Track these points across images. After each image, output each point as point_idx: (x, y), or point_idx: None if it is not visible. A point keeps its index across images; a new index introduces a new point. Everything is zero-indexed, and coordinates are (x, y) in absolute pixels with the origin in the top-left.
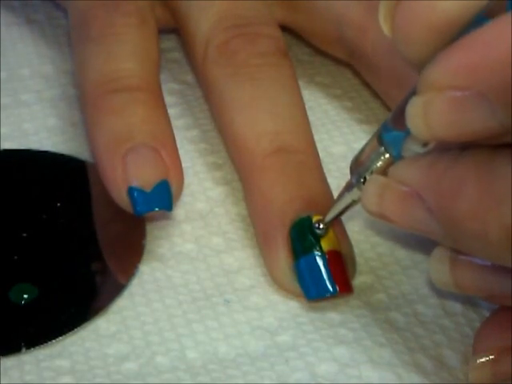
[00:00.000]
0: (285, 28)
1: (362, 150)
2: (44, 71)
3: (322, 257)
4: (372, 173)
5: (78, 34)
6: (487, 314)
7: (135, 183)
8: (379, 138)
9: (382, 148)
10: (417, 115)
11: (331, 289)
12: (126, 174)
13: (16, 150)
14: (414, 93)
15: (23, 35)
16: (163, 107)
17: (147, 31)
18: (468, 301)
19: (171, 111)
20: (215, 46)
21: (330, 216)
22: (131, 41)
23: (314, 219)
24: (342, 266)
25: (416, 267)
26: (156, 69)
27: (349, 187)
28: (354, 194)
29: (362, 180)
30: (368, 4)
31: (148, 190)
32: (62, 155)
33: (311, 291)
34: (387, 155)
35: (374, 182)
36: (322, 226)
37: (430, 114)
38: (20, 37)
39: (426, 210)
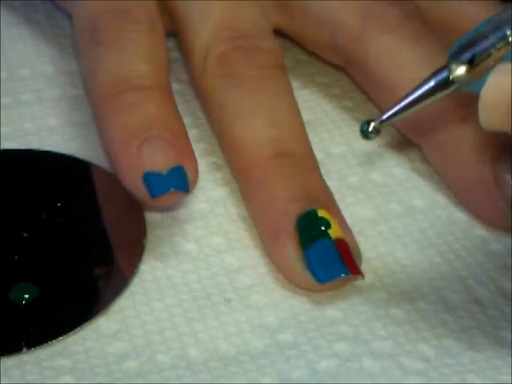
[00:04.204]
0: None
1: (477, 33)
2: (44, 71)
3: (331, 242)
4: (490, 56)
5: (86, 38)
6: (489, 310)
7: (151, 169)
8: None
9: (509, 31)
10: None
11: (343, 271)
12: (141, 161)
13: (16, 149)
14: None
15: (23, 35)
16: (174, 105)
17: (156, 35)
18: (469, 297)
19: None
20: (214, 57)
21: (403, 102)
22: (141, 44)
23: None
24: (349, 252)
25: (416, 267)
26: (166, 70)
27: (442, 69)
28: (454, 70)
29: (471, 59)
30: (364, 12)
31: (164, 172)
32: (62, 155)
33: (323, 275)
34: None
35: (504, 73)
36: (373, 125)
37: None
38: (20, 37)
39: None
